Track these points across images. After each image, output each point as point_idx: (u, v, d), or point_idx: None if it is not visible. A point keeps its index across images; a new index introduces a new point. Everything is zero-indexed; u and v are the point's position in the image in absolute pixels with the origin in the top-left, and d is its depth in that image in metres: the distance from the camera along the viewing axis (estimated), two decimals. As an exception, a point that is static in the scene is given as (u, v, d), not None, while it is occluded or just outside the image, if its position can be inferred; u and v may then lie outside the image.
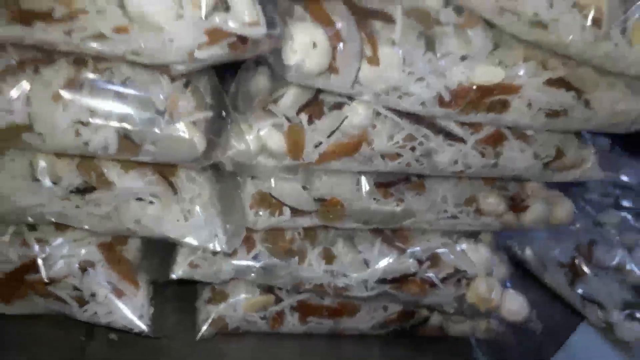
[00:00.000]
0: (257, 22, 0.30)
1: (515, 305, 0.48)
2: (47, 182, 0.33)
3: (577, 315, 0.65)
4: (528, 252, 0.68)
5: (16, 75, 0.30)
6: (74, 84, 0.31)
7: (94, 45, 0.29)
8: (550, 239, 0.68)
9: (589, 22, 0.34)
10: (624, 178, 0.87)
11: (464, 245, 0.47)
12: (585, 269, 0.66)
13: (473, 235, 0.48)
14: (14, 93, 0.30)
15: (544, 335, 0.58)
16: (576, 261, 0.67)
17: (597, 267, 0.66)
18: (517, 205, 0.47)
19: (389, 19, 0.34)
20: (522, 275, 0.69)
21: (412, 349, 0.52)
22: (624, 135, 0.42)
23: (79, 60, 0.31)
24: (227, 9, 0.30)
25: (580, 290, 0.64)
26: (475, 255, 0.47)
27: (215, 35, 0.29)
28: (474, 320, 0.51)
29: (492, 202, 0.45)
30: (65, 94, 0.31)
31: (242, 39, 0.30)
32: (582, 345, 0.62)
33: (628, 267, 0.68)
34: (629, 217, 0.80)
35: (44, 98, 0.30)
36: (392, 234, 0.45)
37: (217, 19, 0.29)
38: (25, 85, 0.30)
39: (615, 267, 0.67)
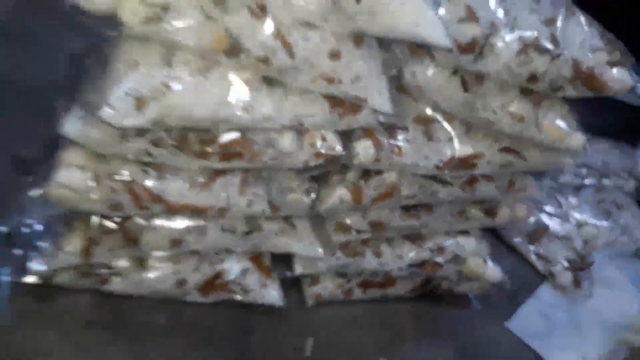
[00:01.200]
0: (338, 147, 0.58)
1: (493, 273, 0.77)
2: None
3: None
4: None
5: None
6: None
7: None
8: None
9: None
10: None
11: (459, 239, 0.76)
12: (541, 236, 0.95)
13: (465, 232, 0.78)
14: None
15: (519, 287, 0.88)
16: (536, 230, 0.96)
17: (551, 235, 0.96)
18: (490, 212, 0.76)
19: (404, 129, 0.62)
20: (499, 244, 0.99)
21: (431, 304, 0.82)
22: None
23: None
24: (323, 140, 0.59)
25: (535, 249, 0.94)
26: (467, 244, 0.77)
27: (319, 156, 0.58)
28: (471, 282, 0.81)
29: (474, 212, 0.74)
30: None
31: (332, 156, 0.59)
32: (546, 293, 0.93)
33: (574, 237, 0.97)
34: (586, 197, 1.09)
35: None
36: (414, 237, 0.74)
37: (320, 149, 0.58)
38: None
39: (565, 236, 0.97)
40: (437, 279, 0.79)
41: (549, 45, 0.57)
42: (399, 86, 0.62)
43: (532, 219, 0.97)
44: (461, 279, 0.77)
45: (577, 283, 0.94)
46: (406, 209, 0.70)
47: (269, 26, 0.48)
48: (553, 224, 0.97)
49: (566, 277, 0.93)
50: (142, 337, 0.63)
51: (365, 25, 0.49)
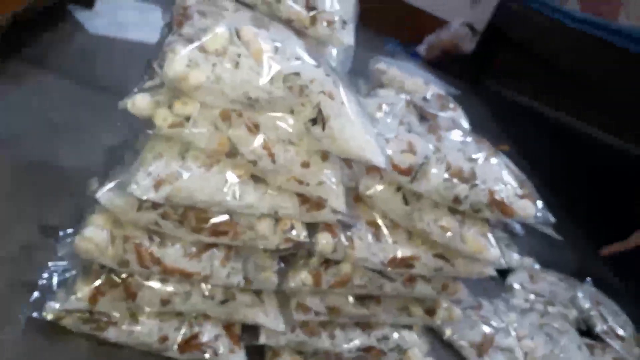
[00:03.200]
0: (304, 235, 0.75)
1: (429, 365, 0.90)
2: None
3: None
4: (448, 333, 1.10)
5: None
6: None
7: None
8: (468, 326, 1.11)
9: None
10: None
11: (403, 332, 0.89)
12: (488, 348, 1.07)
13: (409, 327, 0.91)
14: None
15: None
16: (483, 342, 1.08)
17: (496, 347, 1.08)
18: (429, 311, 0.90)
19: (356, 227, 0.79)
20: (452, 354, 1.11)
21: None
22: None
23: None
24: (292, 228, 0.75)
25: (482, 361, 1.06)
26: (409, 338, 0.90)
27: (288, 240, 0.75)
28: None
29: (416, 309, 0.89)
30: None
31: (298, 242, 0.75)
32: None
33: (515, 349, 1.09)
34: (530, 318, 1.22)
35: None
36: (364, 324, 0.88)
37: (290, 235, 0.74)
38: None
39: (507, 348, 1.09)
40: (383, 366, 0.91)
41: (468, 177, 0.76)
42: (355, 196, 0.80)
43: (480, 332, 1.10)
44: (402, 368, 0.89)
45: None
46: (358, 299, 0.85)
47: (259, 139, 0.67)
48: (497, 336, 1.09)
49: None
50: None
51: (328, 147, 0.68)
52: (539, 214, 0.78)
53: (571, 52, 2.52)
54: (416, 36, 3.96)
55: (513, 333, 1.11)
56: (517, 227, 1.72)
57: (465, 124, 0.92)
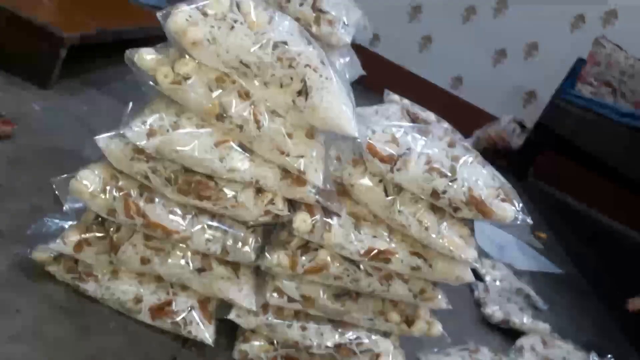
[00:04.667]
0: (283, 210, 0.78)
1: (401, 376, 0.86)
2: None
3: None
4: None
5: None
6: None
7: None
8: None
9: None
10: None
11: (378, 338, 0.87)
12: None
13: (385, 334, 0.89)
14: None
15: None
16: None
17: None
18: (408, 320, 0.87)
19: (337, 215, 0.81)
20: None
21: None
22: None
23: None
24: (272, 202, 0.79)
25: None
26: (383, 345, 0.87)
27: (268, 213, 0.78)
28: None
29: (394, 315, 0.87)
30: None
31: (277, 216, 0.78)
32: None
33: None
34: None
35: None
36: (338, 323, 0.86)
37: (269, 208, 0.77)
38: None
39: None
40: (354, 374, 0.88)
41: (447, 172, 0.78)
42: (341, 190, 0.83)
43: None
44: (373, 375, 0.86)
45: None
46: (334, 294, 0.85)
47: (248, 106, 0.73)
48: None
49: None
50: (89, 331, 0.77)
51: (309, 117, 0.73)
52: (518, 217, 0.77)
53: (615, 147, 2.50)
54: (465, 130, 4.07)
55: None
56: (540, 303, 1.66)
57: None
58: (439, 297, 0.84)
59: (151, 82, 0.72)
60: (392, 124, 0.84)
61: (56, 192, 0.78)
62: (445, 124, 0.89)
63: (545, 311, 1.63)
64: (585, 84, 3.34)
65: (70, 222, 0.83)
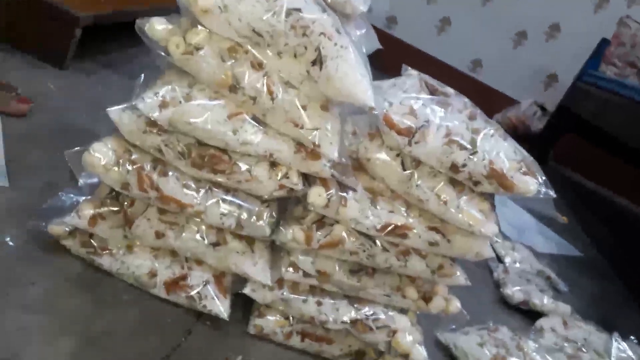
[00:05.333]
0: (298, 184, 0.76)
1: (418, 353, 0.84)
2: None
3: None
4: (458, 349, 1.02)
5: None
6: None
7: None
8: (477, 344, 1.03)
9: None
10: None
11: (395, 314, 0.86)
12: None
13: (402, 311, 0.87)
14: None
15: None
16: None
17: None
18: (425, 297, 0.86)
19: (353, 189, 0.79)
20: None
21: (364, 379, 0.88)
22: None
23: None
24: (287, 175, 0.77)
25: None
26: (400, 321, 0.85)
27: (282, 187, 0.76)
28: (402, 365, 0.87)
29: (411, 291, 0.85)
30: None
31: (292, 190, 0.77)
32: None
33: None
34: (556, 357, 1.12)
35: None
36: (354, 299, 0.85)
37: (284, 182, 0.76)
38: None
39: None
40: (371, 352, 0.86)
41: (467, 145, 0.75)
42: (357, 164, 0.81)
43: (491, 352, 1.02)
44: (389, 351, 0.84)
45: None
46: (350, 270, 0.83)
47: (261, 76, 0.71)
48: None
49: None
50: (104, 304, 0.77)
51: (324, 87, 0.71)
52: (540, 190, 0.75)
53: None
54: (485, 113, 4.00)
55: None
56: (561, 285, 1.63)
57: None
58: (458, 273, 0.82)
59: (162, 53, 0.71)
60: (410, 95, 0.81)
61: (69, 166, 0.78)
62: (465, 98, 0.86)
63: (565, 293, 1.60)
64: (609, 65, 3.25)
65: (84, 197, 0.82)
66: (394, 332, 0.84)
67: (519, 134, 3.62)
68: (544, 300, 1.36)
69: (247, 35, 0.70)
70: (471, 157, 0.75)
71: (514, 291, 1.37)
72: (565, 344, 1.21)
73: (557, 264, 1.71)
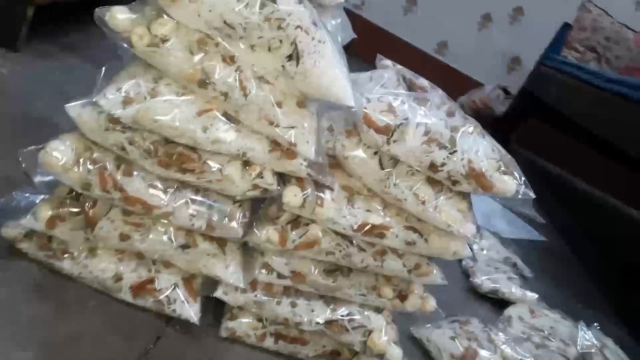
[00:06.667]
0: (272, 184, 0.73)
1: (394, 353, 0.83)
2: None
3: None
4: (430, 342, 1.02)
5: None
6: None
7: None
8: (450, 337, 1.03)
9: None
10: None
11: (370, 314, 0.84)
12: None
13: (378, 310, 0.86)
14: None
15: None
16: (465, 356, 1.01)
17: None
18: (401, 296, 0.84)
19: (329, 188, 0.77)
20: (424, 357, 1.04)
21: (339, 380, 0.86)
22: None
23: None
24: (261, 175, 0.74)
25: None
26: (376, 321, 0.84)
27: (256, 187, 0.73)
28: (376, 363, 0.86)
29: (387, 290, 0.84)
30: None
31: (266, 190, 0.73)
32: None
33: None
34: (524, 347, 1.13)
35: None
36: (330, 299, 0.83)
37: (258, 182, 0.73)
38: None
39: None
40: (346, 352, 0.85)
41: (447, 144, 0.73)
42: (333, 162, 0.78)
43: (463, 345, 1.02)
44: (365, 351, 0.83)
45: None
46: (325, 270, 0.81)
47: (233, 71, 0.67)
48: (482, 353, 1.02)
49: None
50: (68, 310, 0.72)
51: (301, 84, 0.67)
52: (520, 190, 0.74)
53: (600, 114, 2.48)
54: (450, 96, 4.02)
55: (499, 353, 1.03)
56: (526, 271, 1.65)
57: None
58: (434, 272, 0.81)
59: (125, 45, 0.66)
60: (389, 91, 0.78)
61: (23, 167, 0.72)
62: (441, 91, 0.84)
63: (531, 279, 1.63)
64: (571, 50, 3.30)
65: (42, 196, 0.77)
66: (370, 332, 0.82)
67: (483, 116, 3.66)
68: (512, 289, 1.37)
69: (218, 27, 0.65)
70: (450, 156, 0.73)
71: (483, 280, 1.39)
72: (533, 333, 1.23)
73: (522, 250, 1.74)
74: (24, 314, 0.69)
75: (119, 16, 0.65)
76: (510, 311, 1.29)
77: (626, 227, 2.89)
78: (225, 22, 0.64)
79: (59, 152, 0.69)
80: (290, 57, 0.67)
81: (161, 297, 0.77)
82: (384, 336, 0.83)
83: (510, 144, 3.63)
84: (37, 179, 0.76)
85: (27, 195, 0.78)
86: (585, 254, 2.14)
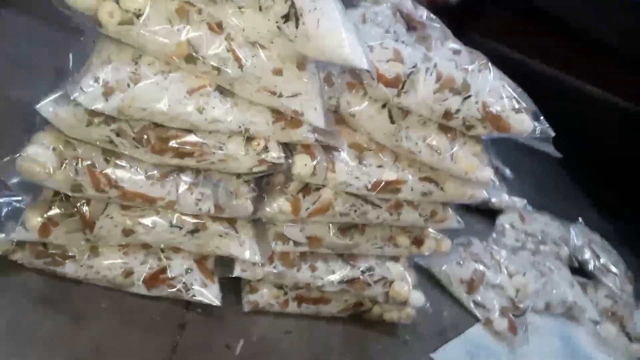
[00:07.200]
0: (280, 157, 0.67)
1: (417, 298, 0.84)
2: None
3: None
4: (440, 270, 1.04)
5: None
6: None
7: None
8: (457, 263, 1.05)
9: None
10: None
11: (388, 264, 0.83)
12: (478, 285, 1.02)
13: (394, 258, 0.85)
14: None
15: (449, 326, 0.95)
16: (473, 279, 1.03)
17: (487, 285, 1.03)
18: (417, 241, 0.83)
19: (338, 150, 0.72)
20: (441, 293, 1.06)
21: (362, 329, 0.87)
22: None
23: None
24: (266, 149, 0.68)
25: (473, 298, 1.01)
26: (395, 270, 0.84)
27: (262, 162, 0.67)
28: (399, 310, 0.87)
29: (402, 239, 0.82)
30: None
31: (274, 165, 0.68)
32: (474, 335, 0.98)
33: (506, 286, 1.04)
34: (522, 257, 1.17)
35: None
36: (347, 256, 0.81)
37: (264, 156, 0.66)
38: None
39: (498, 285, 1.04)
40: (367, 302, 0.85)
41: (461, 88, 0.68)
42: (337, 117, 0.72)
43: (470, 269, 1.04)
44: (387, 302, 0.83)
45: (513, 329, 1.00)
46: (341, 229, 0.78)
47: (223, 40, 0.59)
48: (488, 273, 1.04)
49: (502, 324, 0.99)
50: (82, 317, 0.68)
51: (302, 48, 0.60)
52: (538, 128, 0.71)
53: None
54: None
55: (504, 270, 1.06)
56: (507, 172, 1.67)
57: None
58: (451, 216, 0.80)
59: (93, 25, 0.56)
60: (389, 34, 0.71)
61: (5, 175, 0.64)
62: (438, 23, 0.77)
63: (511, 180, 1.66)
64: None
65: (23, 198, 0.69)
66: (391, 282, 0.82)
67: (438, 6, 3.53)
68: (500, 197, 1.39)
69: (201, -8, 0.56)
70: (464, 101, 0.69)
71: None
72: (526, 239, 1.27)
73: (500, 150, 1.75)
74: (40, 332, 0.64)
75: (81, -7, 0.54)
76: (501, 220, 1.32)
77: (597, 113, 2.92)
78: (209, -14, 0.55)
79: (39, 157, 0.61)
80: (286, 17, 0.58)
81: (178, 285, 0.73)
82: (404, 284, 0.82)
83: (467, 34, 3.56)
84: (14, 180, 0.68)
85: (7, 200, 0.69)
86: (555, 142, 2.18)
